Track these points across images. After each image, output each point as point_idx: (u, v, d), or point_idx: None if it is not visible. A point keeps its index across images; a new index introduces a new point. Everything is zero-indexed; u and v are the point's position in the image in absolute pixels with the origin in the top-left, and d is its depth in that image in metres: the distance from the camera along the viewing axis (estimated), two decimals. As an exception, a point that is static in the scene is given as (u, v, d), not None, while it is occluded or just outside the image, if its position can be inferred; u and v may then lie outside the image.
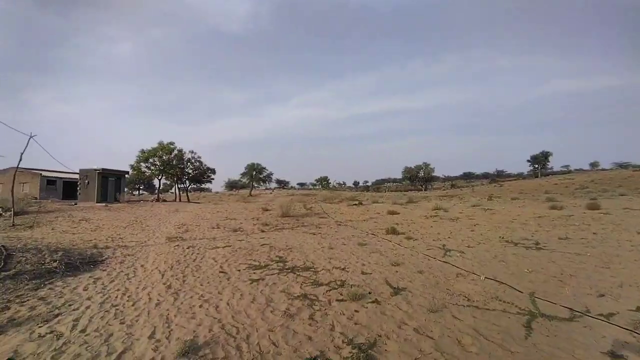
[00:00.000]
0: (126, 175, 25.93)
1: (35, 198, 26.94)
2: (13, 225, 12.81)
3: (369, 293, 4.69)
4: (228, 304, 4.46)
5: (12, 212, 13.71)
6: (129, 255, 7.54)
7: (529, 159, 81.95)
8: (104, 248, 8.18)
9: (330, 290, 4.86)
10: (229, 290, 5.03)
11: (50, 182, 28.64)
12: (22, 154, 13.38)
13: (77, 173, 23.38)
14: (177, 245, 8.61)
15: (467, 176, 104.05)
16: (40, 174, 27.78)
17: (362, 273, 5.78)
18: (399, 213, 15.71)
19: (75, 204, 22.07)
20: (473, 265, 6.11)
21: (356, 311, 4.04)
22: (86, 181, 22.40)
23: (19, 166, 14.08)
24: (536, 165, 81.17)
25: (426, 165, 77.63)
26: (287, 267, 6.31)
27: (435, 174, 78.63)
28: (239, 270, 6.12)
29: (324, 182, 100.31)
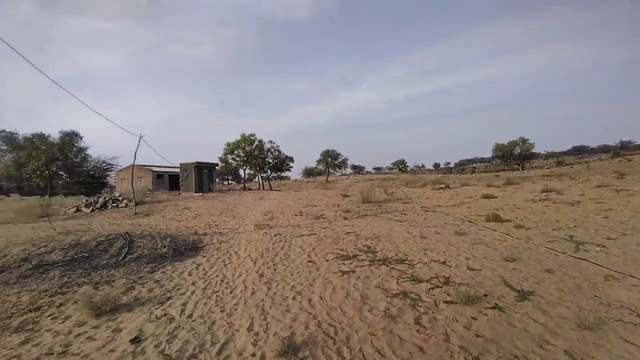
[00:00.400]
0: (216, 167, 28.76)
1: (150, 190, 31.99)
2: (135, 214, 15.19)
3: (485, 296, 3.98)
4: (321, 297, 4.27)
5: (134, 202, 16.26)
6: (223, 242, 8.09)
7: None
8: (202, 235, 8.97)
9: (433, 289, 4.29)
10: (319, 282, 4.87)
11: (159, 176, 33.67)
12: (135, 152, 15.68)
13: (178, 167, 26.80)
14: (265, 233, 8.95)
15: (578, 150, 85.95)
16: (152, 169, 32.82)
17: (469, 269, 5.02)
18: (496, 197, 13.80)
19: (179, 194, 25.39)
20: (626, 263, 4.78)
21: (473, 318, 3.42)
22: (185, 174, 25.53)
23: (135, 163, 16.57)
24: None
25: (523, 140, 66.92)
26: (377, 258, 5.90)
27: (534, 150, 67.56)
28: (327, 260, 5.95)
29: (400, 165, 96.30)
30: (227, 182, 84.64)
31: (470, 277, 4.67)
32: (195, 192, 24.76)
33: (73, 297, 4.62)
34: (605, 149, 77.84)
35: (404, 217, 10.52)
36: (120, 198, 18.47)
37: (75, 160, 29.64)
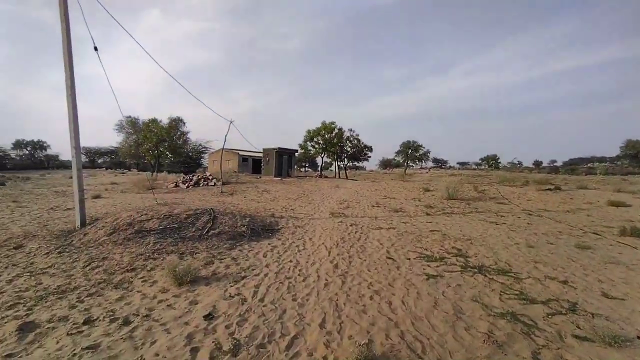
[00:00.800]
0: (296, 154, 29.78)
1: (235, 172, 34.97)
2: (222, 192, 16.53)
3: (638, 338, 2.89)
4: (403, 302, 3.69)
5: (221, 182, 17.73)
6: (298, 227, 8.02)
7: None
8: (279, 217, 9.09)
9: (553, 315, 3.32)
10: (400, 283, 4.27)
11: (244, 159, 36.55)
12: (225, 136, 16.96)
13: (261, 152, 28.51)
14: (341, 222, 8.63)
15: None
16: (238, 153, 35.78)
17: (605, 295, 3.83)
18: (629, 205, 11.00)
19: (260, 177, 27.07)
20: None
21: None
22: (267, 158, 27.02)
23: (224, 147, 17.98)
24: None
25: None
26: (470, 264, 5.01)
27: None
28: (409, 259, 5.29)
29: (491, 161, 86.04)
30: (304, 169, 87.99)
31: (609, 308, 3.51)
32: (275, 177, 26.04)
33: (161, 264, 4.96)
34: None
35: (501, 220, 9.04)
36: (210, 177, 20.40)
37: (178, 142, 34.03)
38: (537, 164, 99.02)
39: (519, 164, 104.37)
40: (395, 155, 61.09)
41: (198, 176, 20.53)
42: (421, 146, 57.41)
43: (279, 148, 26.53)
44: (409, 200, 13.29)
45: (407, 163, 60.37)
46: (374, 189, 17.92)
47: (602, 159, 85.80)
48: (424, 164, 63.30)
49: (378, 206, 11.60)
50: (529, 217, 9.52)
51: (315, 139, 30.86)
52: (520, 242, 6.35)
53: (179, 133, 34.54)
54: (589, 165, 79.96)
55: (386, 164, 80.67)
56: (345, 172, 34.96)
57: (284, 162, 27.52)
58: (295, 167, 39.48)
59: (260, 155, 30.51)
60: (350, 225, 8.11)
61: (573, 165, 70.76)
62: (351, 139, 32.62)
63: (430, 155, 60.95)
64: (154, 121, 29.94)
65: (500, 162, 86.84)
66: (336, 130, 30.65)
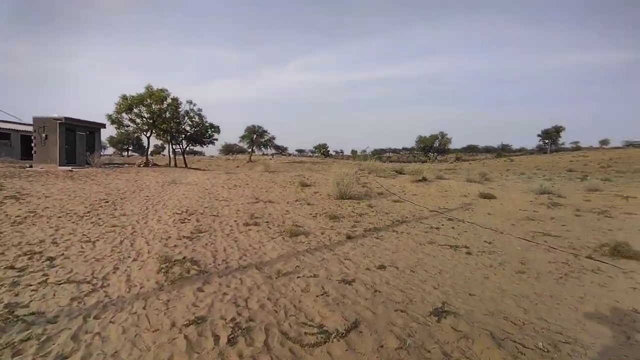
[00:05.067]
0: (102, 129, 20.15)
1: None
2: None
3: None
4: None
5: None
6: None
7: (540, 133, 79.84)
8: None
9: None
10: None
11: (3, 136, 22.74)
12: None
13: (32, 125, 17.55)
14: (184, 277, 3.39)
15: (471, 149, 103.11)
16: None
17: None
18: (495, 197, 11.15)
19: (30, 167, 16.54)
20: None
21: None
22: (44, 134, 16.64)
23: None
24: (546, 141, 79.32)
25: (443, 134, 72.96)
26: None
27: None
28: None
29: (322, 149, 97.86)
30: (126, 153, 70.05)
31: None
32: (61, 165, 16.33)
33: None
34: (488, 150, 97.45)
35: (448, 238, 5.96)
36: None
37: None
38: (353, 152, 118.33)
39: (341, 152, 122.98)
40: (240, 140, 58.44)
41: None
42: (266, 132, 56.27)
43: (66, 119, 16.63)
44: (294, 205, 8.98)
45: (252, 149, 58.00)
46: (232, 184, 12.61)
47: (395, 150, 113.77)
48: (267, 150, 63.31)
49: (256, 224, 6.67)
50: (458, 226, 7.10)
51: (136, 110, 21.81)
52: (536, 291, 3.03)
53: None
54: (388, 154, 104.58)
55: (229, 149, 77.10)
56: (184, 159, 27.39)
57: (79, 141, 17.75)
58: (107, 151, 28.33)
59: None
60: (220, 295, 3.05)
61: (378, 154, 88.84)
62: (191, 114, 25.27)
63: (275, 141, 61.49)
64: None
65: (329, 151, 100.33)
66: (169, 100, 22.69)
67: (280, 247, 5.23)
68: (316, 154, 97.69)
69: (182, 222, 6.63)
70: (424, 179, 15.26)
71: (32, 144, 17.44)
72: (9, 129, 23.38)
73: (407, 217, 8.13)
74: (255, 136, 55.62)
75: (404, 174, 17.43)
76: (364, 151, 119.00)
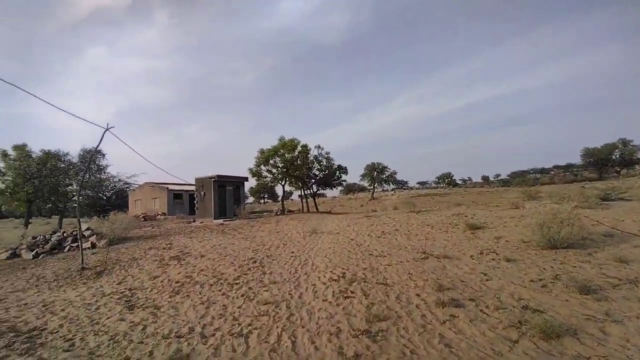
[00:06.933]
0: (245, 183, 21.99)
1: (163, 214, 26.02)
2: (82, 269, 8.38)
3: None
4: None
5: (81, 249, 9.60)
6: None
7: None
8: None
9: None
10: None
11: (177, 195, 27.63)
12: (97, 147, 8.98)
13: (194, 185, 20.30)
14: None
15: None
16: (167, 188, 26.91)
17: None
18: None
19: (193, 221, 18.74)
20: None
21: None
22: (202, 192, 18.85)
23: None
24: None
25: (625, 142, 54.70)
26: None
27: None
28: None
29: (447, 179, 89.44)
30: (262, 200, 78.90)
31: None
32: (215, 219, 17.93)
33: None
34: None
35: None
36: (88, 232, 11.94)
37: (89, 178, 25.20)
38: (485, 178, 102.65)
39: (469, 179, 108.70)
40: (361, 179, 58.24)
41: (62, 233, 11.91)
42: (386, 167, 54.61)
43: (218, 176, 18.53)
44: (485, 262, 6.28)
45: (374, 186, 57.25)
46: (379, 231, 10.75)
47: (542, 170, 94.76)
48: (388, 186, 61.48)
49: (455, 304, 4.38)
50: None
51: (272, 161, 23.33)
52: None
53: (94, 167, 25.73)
54: (532, 175, 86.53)
55: (350, 188, 78.88)
56: (315, 203, 27.65)
57: (228, 195, 19.49)
58: (249, 200, 31.49)
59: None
60: None
61: (521, 177, 71.71)
62: (320, 158, 25.66)
63: (396, 175, 59.14)
64: (21, 149, 20.82)
65: (454, 180, 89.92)
66: (299, 148, 23.51)
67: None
68: (441, 185, 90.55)
69: (346, 297, 4.91)
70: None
71: (195, 201, 20.04)
72: (181, 190, 28.36)
73: None
74: (376, 173, 55.01)
75: (612, 199, 12.28)
76: (498, 175, 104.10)
